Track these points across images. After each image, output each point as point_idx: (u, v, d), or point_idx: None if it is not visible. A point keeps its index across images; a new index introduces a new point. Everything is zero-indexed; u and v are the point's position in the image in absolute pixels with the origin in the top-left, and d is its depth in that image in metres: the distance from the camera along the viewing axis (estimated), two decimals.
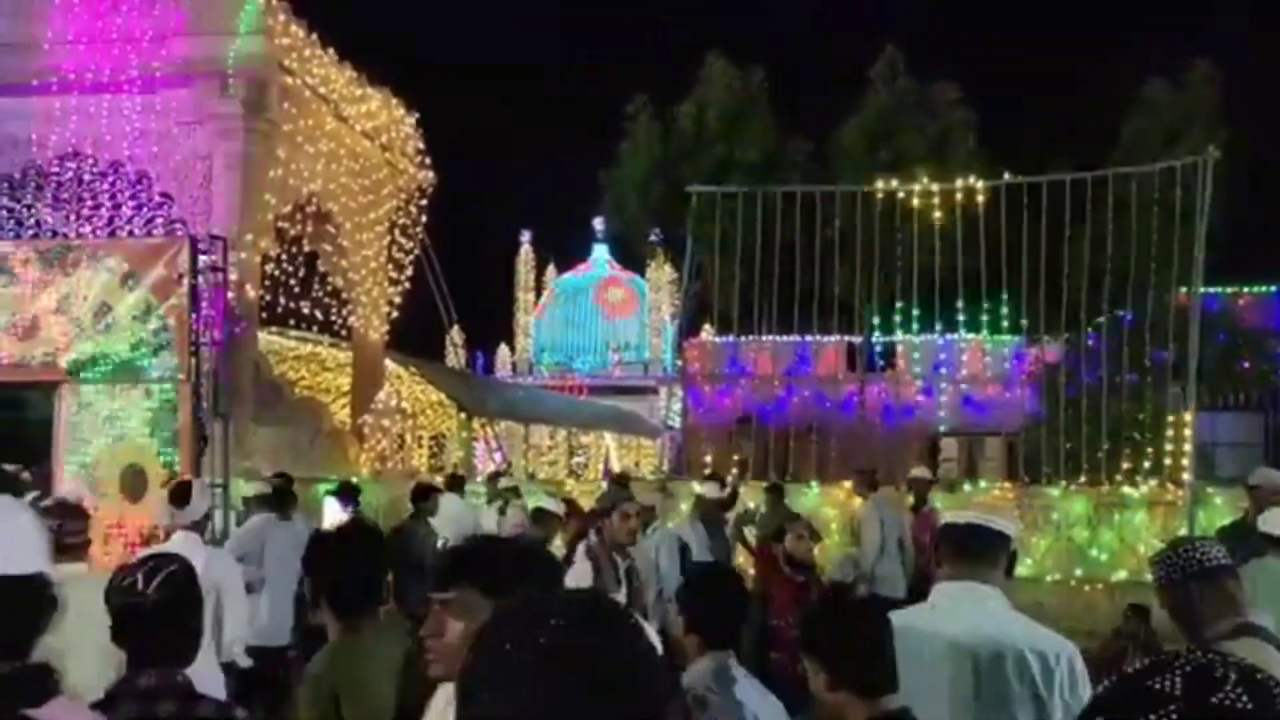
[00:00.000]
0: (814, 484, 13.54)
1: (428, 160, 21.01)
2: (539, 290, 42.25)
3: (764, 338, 19.58)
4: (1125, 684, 0.98)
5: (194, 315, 13.61)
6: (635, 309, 40.27)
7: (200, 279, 14.19)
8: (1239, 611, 3.08)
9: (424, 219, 21.04)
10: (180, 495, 5.98)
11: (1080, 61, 38.53)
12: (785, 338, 20.11)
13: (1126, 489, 12.52)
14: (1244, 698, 0.95)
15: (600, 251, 42.88)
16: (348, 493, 10.77)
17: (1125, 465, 13.52)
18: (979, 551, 3.02)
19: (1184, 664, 0.97)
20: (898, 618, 2.78)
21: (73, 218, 15.45)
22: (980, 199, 15.14)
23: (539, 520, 8.21)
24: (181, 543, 5.67)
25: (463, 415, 20.89)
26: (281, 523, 8.87)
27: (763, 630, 7.12)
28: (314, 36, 16.87)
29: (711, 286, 19.89)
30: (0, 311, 13.84)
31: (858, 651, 2.60)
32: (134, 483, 12.38)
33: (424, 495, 9.62)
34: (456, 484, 11.00)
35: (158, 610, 2.51)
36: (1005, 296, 14.72)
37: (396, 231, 20.74)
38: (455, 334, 24.15)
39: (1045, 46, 42.68)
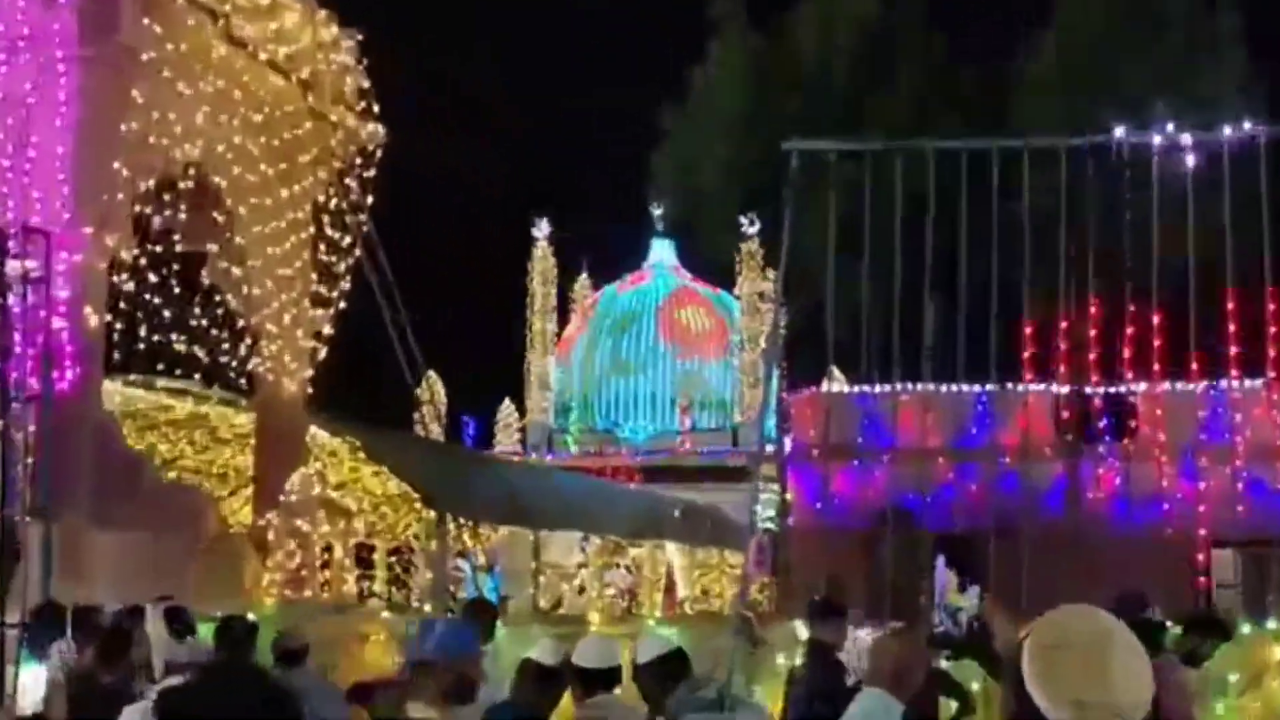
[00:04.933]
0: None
1: (375, 108, 21.27)
2: (564, 314, 42.29)
3: (915, 387, 19.92)
4: None
5: None
6: (720, 343, 40.57)
7: (9, 297, 14.14)
8: None
9: (369, 200, 21.30)
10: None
11: None
12: (950, 387, 20.55)
13: None
14: None
15: (662, 251, 42.84)
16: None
17: None
18: None
19: None
20: None
21: None
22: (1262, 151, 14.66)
23: (527, 682, 7.92)
24: None
25: (432, 515, 20.56)
26: None
27: None
28: None
29: (822, 305, 19.97)
30: None
31: None
32: None
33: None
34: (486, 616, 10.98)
35: None
36: None
37: (326, 221, 21.09)
38: (432, 386, 25.19)
39: None
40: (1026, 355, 19.28)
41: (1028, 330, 19.45)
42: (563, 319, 43.13)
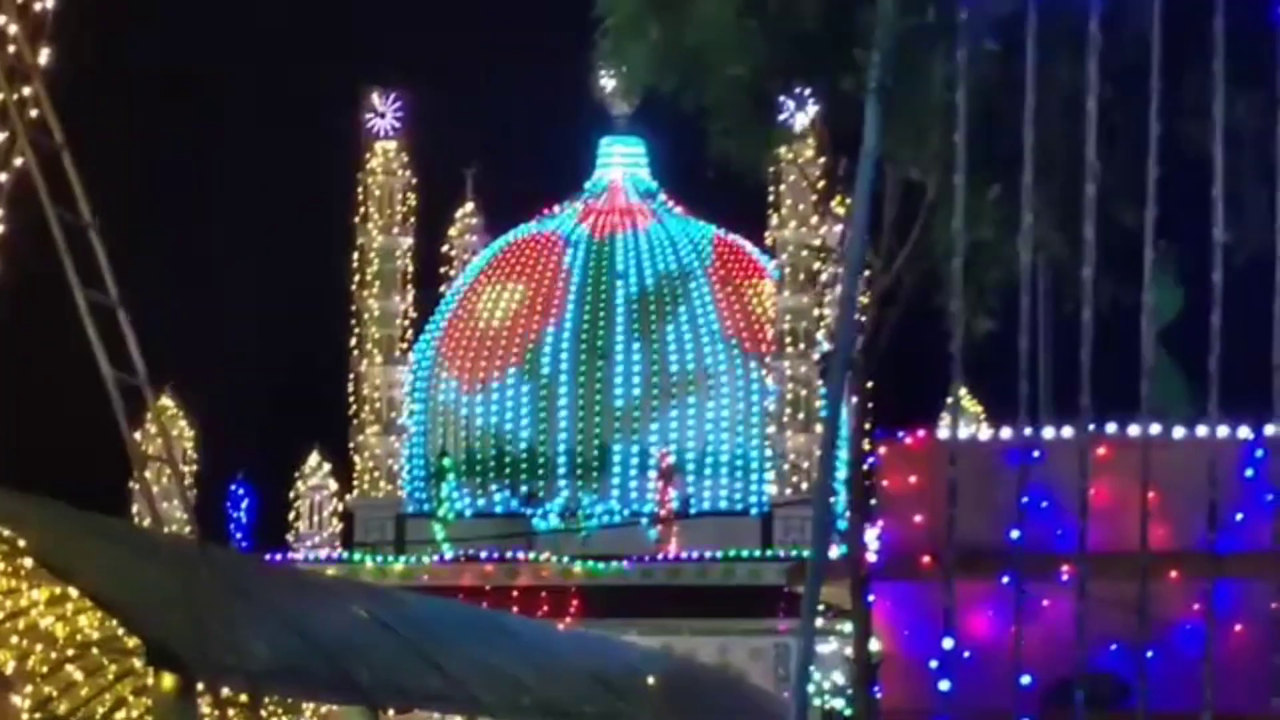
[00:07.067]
0: None
1: None
2: (429, 279, 35.01)
3: (1125, 430, 16.30)
4: None
5: None
6: (736, 334, 34.10)
7: None
8: None
9: (44, 57, 17.06)
10: None
11: None
12: (1194, 429, 17.02)
13: None
14: None
15: (619, 160, 36.01)
16: None
17: None
18: None
19: None
20: None
21: None
22: None
23: None
24: None
25: (170, 682, 16.12)
26: None
27: None
28: None
29: (938, 266, 16.29)
30: None
31: None
32: None
33: None
34: None
35: None
36: None
37: None
38: (165, 422, 20.93)
39: None
40: None
41: None
42: (423, 290, 35.27)
